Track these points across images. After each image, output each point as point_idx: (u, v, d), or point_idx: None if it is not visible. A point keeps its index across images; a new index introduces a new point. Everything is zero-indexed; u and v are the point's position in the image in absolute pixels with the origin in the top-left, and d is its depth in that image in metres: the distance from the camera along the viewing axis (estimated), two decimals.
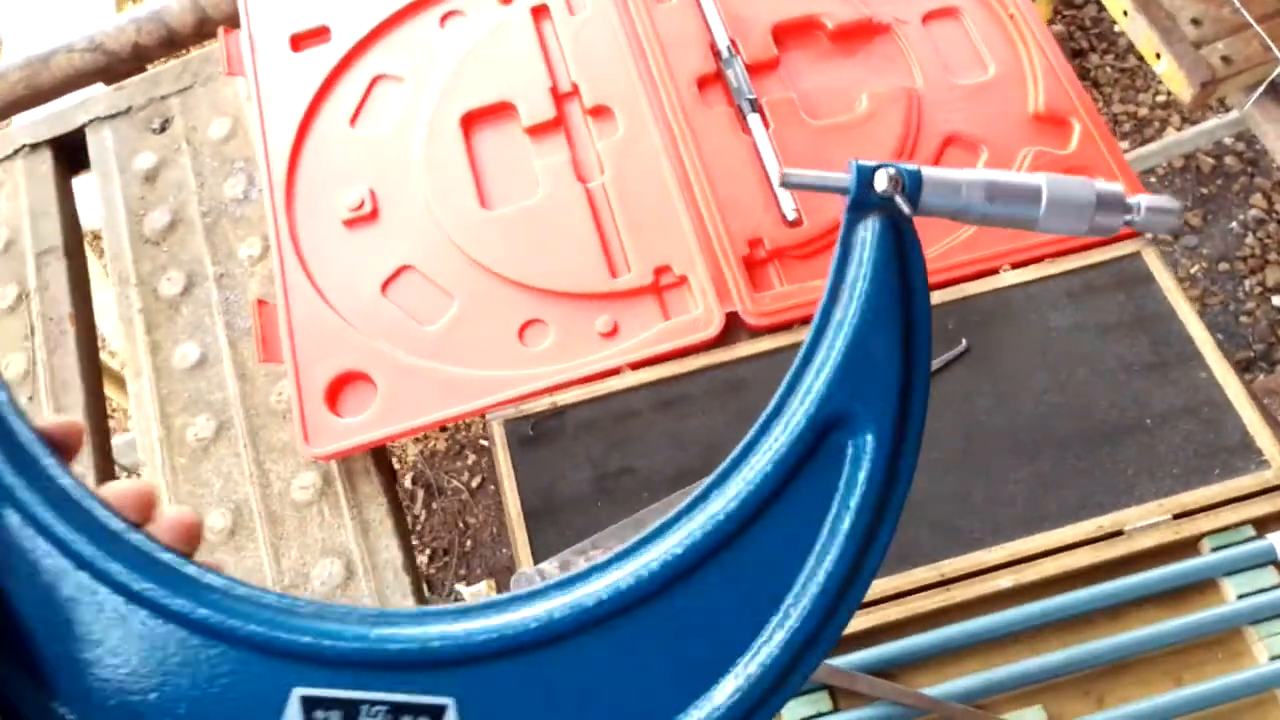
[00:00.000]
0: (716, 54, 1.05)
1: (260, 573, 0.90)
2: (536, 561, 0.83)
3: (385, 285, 0.96)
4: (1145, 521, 0.84)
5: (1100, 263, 0.96)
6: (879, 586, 0.82)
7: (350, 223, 1.00)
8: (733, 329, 0.93)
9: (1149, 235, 0.98)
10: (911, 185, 0.47)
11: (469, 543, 1.96)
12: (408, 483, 2.02)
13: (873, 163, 0.46)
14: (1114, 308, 0.94)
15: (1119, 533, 0.84)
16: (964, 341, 0.92)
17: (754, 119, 1.01)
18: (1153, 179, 2.37)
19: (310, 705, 0.40)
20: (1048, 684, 0.80)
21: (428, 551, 1.97)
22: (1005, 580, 0.82)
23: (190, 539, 0.43)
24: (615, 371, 0.91)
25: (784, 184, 0.48)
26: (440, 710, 0.41)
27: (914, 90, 1.04)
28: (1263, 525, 0.84)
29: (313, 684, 0.40)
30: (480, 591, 1.88)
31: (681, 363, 0.91)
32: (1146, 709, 0.78)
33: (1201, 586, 0.83)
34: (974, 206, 0.49)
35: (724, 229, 0.96)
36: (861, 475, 0.45)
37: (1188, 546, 0.84)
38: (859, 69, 1.06)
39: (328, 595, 0.88)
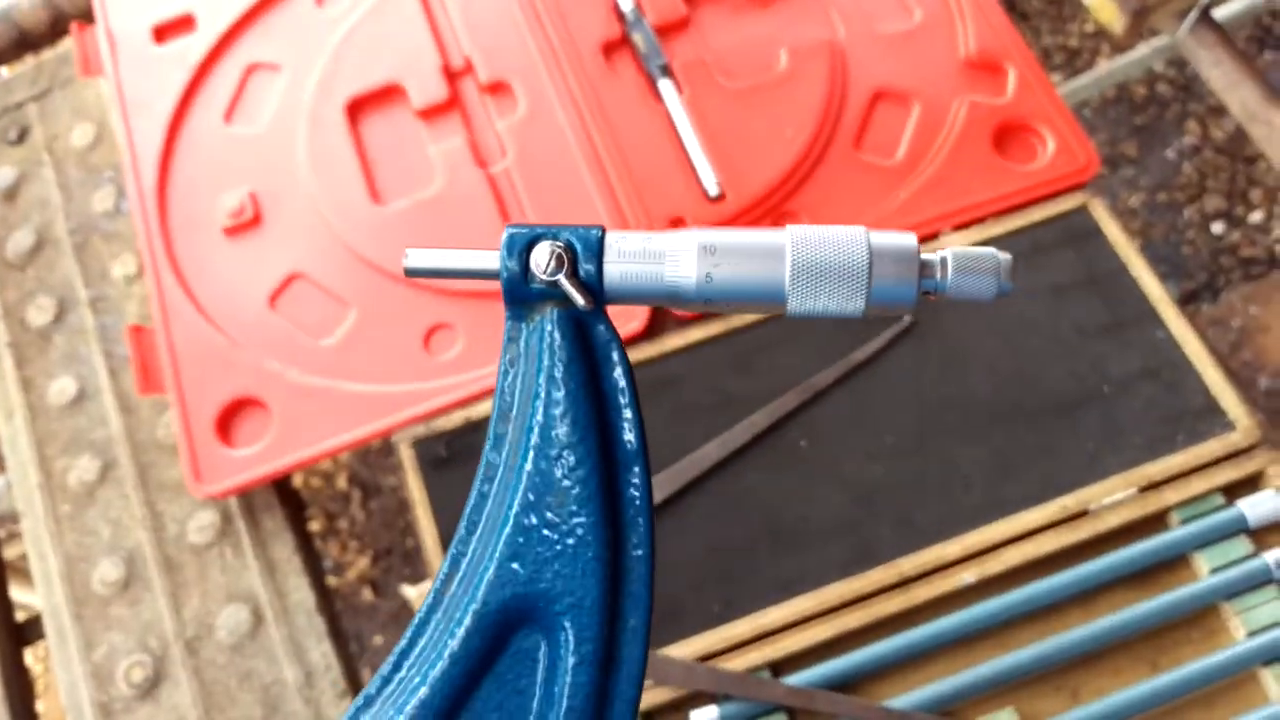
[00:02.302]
0: (620, 16, 0.96)
1: (160, 626, 0.81)
2: None
3: (274, 297, 0.87)
4: (1110, 498, 0.78)
5: (1046, 219, 0.89)
6: (836, 592, 0.76)
7: (231, 231, 0.90)
8: (659, 321, 0.86)
9: (1089, 192, 0.92)
10: (588, 259, 0.35)
11: (410, 541, 1.88)
12: (343, 483, 1.94)
13: (527, 228, 0.35)
14: (1064, 266, 0.87)
15: (1084, 513, 0.78)
16: (906, 316, 0.85)
17: (666, 85, 0.93)
18: (1087, 111, 2.33)
19: None
20: (1019, 683, 0.74)
21: (369, 554, 1.88)
22: (968, 575, 0.76)
23: None
24: None
25: (407, 271, 0.36)
26: None
27: (836, 42, 0.96)
28: (1232, 492, 0.79)
29: None
30: (426, 590, 1.80)
31: None
32: (1122, 701, 0.72)
33: (1173, 563, 0.78)
34: (684, 283, 0.35)
35: (641, 210, 0.88)
36: (560, 693, 0.33)
37: (1156, 521, 0.79)
38: (776, 22, 0.98)
39: (236, 645, 0.80)
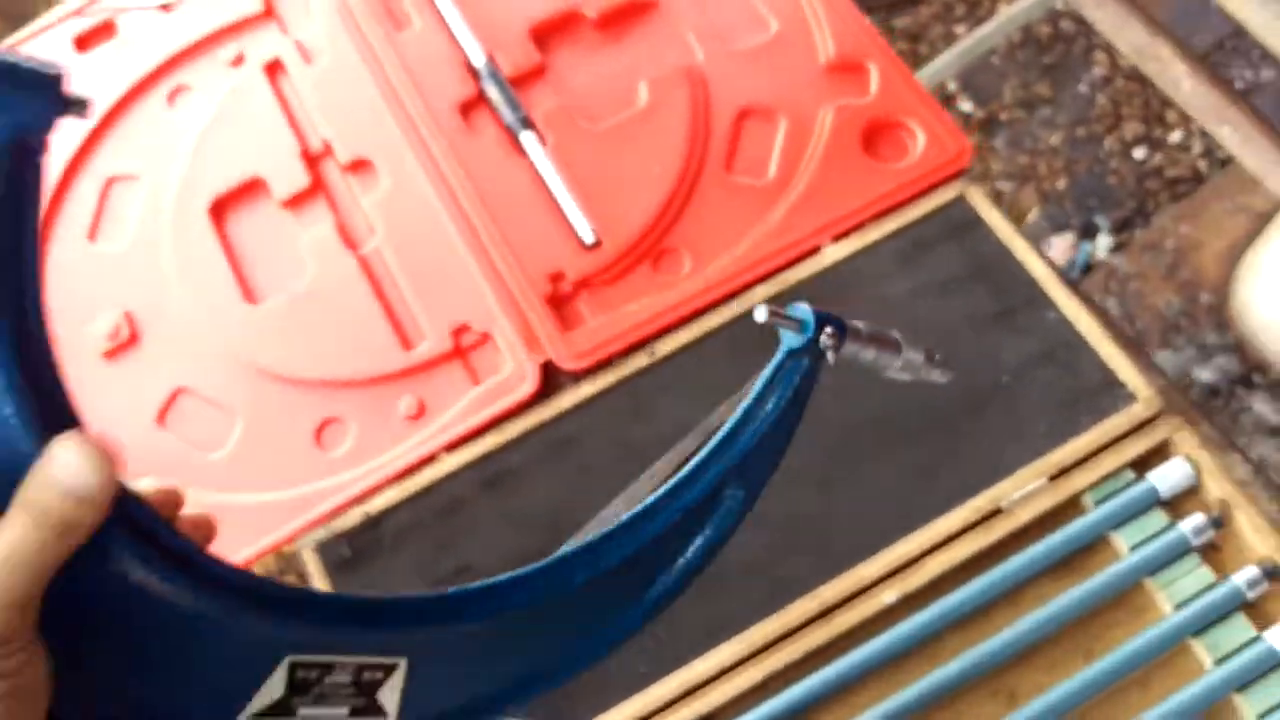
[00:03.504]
0: (474, 73, 0.95)
1: None
2: None
3: (161, 416, 0.86)
4: (1022, 491, 0.78)
5: (925, 215, 0.89)
6: (760, 632, 0.75)
7: (110, 353, 0.88)
8: (551, 380, 0.85)
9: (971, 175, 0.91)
10: (840, 340, 0.56)
11: None
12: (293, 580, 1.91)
13: (816, 315, 0.55)
14: (948, 261, 0.87)
15: (997, 511, 0.78)
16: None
17: (528, 137, 0.91)
18: (995, 59, 2.33)
19: (295, 664, 0.45)
20: (956, 694, 0.74)
21: None
22: (889, 594, 0.75)
23: (208, 535, 0.46)
24: (430, 458, 0.82)
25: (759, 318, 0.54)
26: (393, 667, 0.48)
27: (695, 67, 0.95)
28: (1141, 465, 0.79)
29: (297, 637, 0.45)
30: None
31: (502, 431, 0.83)
32: (1060, 695, 0.72)
33: (1093, 547, 0.77)
34: (864, 355, 0.59)
35: (519, 269, 0.87)
36: (727, 514, 0.58)
37: (1070, 507, 0.78)
38: (632, 56, 0.97)
39: None
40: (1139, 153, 2.21)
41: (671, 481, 0.56)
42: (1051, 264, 0.85)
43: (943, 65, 1.88)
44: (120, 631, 0.41)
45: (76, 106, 0.36)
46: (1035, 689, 0.74)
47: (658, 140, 0.91)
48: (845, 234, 0.88)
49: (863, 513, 0.78)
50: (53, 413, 0.38)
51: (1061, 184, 2.22)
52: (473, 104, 0.94)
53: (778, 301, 0.87)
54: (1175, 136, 2.22)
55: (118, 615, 0.41)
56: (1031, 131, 2.28)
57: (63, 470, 0.37)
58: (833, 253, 0.87)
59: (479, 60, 0.94)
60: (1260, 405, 1.79)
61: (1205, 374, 1.85)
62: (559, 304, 0.87)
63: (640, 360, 0.85)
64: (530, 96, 0.94)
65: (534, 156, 0.91)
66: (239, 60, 0.99)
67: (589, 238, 0.87)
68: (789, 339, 0.56)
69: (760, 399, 0.58)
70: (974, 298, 0.85)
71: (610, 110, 0.94)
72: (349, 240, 0.90)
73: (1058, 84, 2.32)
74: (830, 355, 0.57)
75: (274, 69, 0.98)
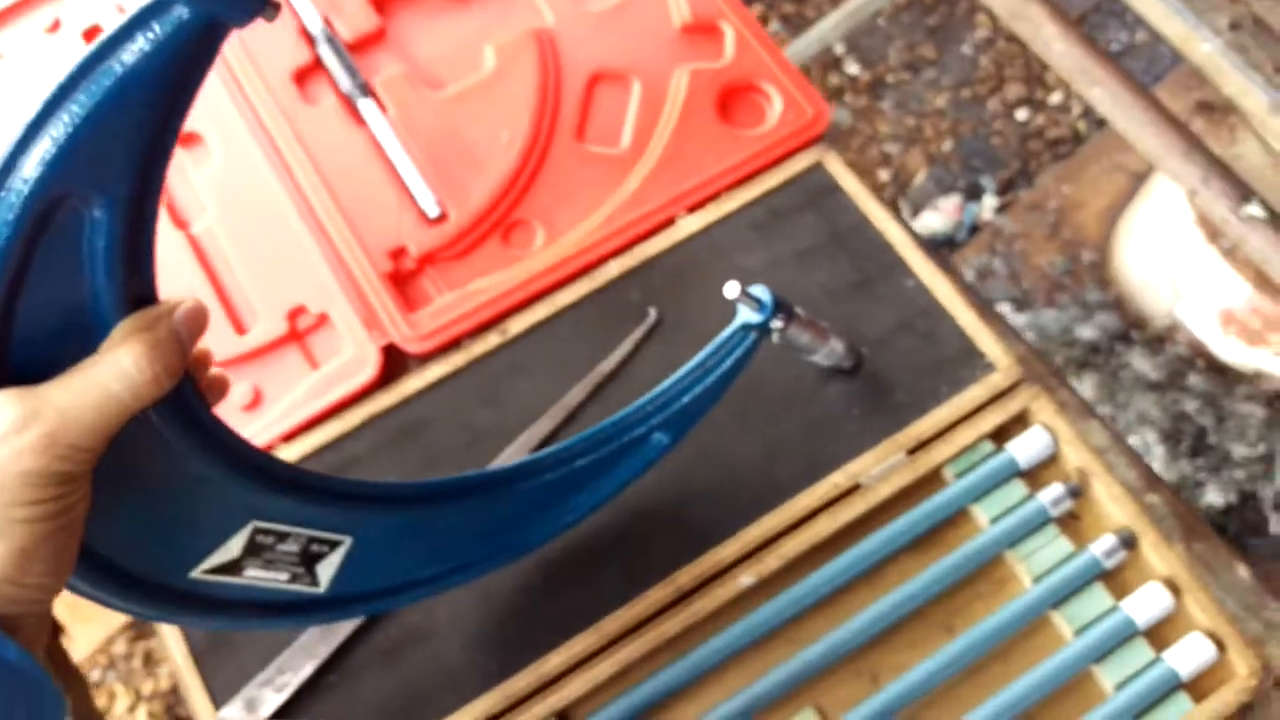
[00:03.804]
0: (310, 39, 0.89)
1: None
2: (218, 705, 0.70)
3: None
4: (882, 466, 0.76)
5: (783, 183, 0.86)
6: (615, 622, 0.72)
7: None
8: (396, 363, 0.80)
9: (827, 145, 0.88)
10: (788, 323, 0.64)
11: None
12: None
13: (774, 299, 0.62)
14: (805, 230, 0.84)
15: (856, 487, 0.75)
16: (652, 312, 0.81)
17: (366, 105, 0.86)
18: (881, 21, 2.32)
19: (257, 530, 0.50)
20: (816, 677, 0.72)
21: None
22: (746, 577, 0.73)
23: (220, 396, 0.49)
24: (266, 450, 0.77)
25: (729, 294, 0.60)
26: (338, 544, 0.54)
27: (544, 30, 0.90)
28: (1000, 436, 0.77)
29: (272, 507, 0.50)
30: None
31: (343, 419, 0.78)
32: (922, 673, 0.70)
33: (953, 521, 0.76)
34: (801, 339, 0.68)
35: (358, 245, 0.82)
36: (649, 452, 0.69)
37: (931, 481, 0.77)
38: (478, 19, 0.92)
39: None
40: (1021, 114, 2.23)
41: (615, 417, 0.64)
42: (910, 230, 0.83)
43: (829, 27, 1.86)
44: (130, 474, 0.45)
45: (270, 10, 0.40)
46: (898, 668, 0.72)
47: (505, 106, 0.87)
48: (701, 204, 0.84)
49: (718, 493, 0.75)
50: (139, 286, 0.42)
51: (947, 146, 2.23)
52: (309, 71, 0.89)
53: (635, 275, 0.84)
54: (1055, 98, 2.24)
55: (131, 460, 0.44)
56: (917, 94, 2.28)
57: (189, 310, 0.43)
58: (688, 224, 0.84)
59: (315, 25, 0.89)
60: (1139, 361, 1.82)
61: (1087, 331, 1.87)
62: (401, 281, 0.82)
63: (491, 340, 0.80)
64: (370, 63, 0.89)
65: (373, 125, 0.85)
66: (55, 26, 0.91)
67: (433, 210, 0.83)
68: (745, 315, 0.61)
69: (707, 362, 0.64)
70: (833, 267, 0.83)
71: (454, 76, 0.89)
72: (178, 219, 0.84)
73: (942, 46, 2.33)
74: (776, 335, 0.64)
75: (94, 35, 0.91)
